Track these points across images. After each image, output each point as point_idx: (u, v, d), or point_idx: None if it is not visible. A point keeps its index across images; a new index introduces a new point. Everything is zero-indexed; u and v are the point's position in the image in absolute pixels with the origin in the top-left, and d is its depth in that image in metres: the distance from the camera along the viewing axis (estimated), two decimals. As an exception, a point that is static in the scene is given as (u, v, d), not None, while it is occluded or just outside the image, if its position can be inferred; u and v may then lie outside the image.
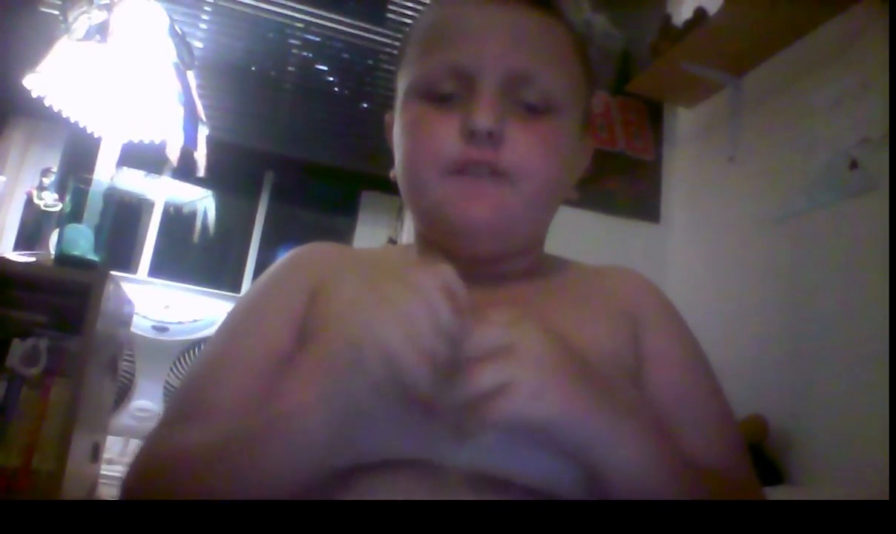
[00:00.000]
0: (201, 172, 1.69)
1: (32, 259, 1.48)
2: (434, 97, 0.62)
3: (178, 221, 2.23)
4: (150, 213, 2.08)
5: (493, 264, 0.65)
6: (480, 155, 0.59)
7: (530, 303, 0.63)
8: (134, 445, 1.72)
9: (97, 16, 1.53)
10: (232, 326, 0.64)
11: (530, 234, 0.67)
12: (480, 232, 0.62)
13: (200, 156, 1.68)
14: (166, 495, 0.50)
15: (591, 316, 0.62)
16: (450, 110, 0.61)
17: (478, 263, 0.65)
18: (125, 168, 1.96)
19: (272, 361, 0.58)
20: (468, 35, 0.62)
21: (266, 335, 0.61)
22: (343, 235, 2.29)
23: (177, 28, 1.66)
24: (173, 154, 1.63)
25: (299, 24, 2.14)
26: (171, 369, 1.76)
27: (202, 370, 0.62)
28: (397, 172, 0.67)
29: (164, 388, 1.75)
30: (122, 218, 1.74)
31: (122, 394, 1.72)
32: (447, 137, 0.60)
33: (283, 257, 0.69)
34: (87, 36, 1.52)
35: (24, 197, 1.76)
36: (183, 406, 0.59)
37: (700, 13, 1.91)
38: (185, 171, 1.71)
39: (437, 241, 0.66)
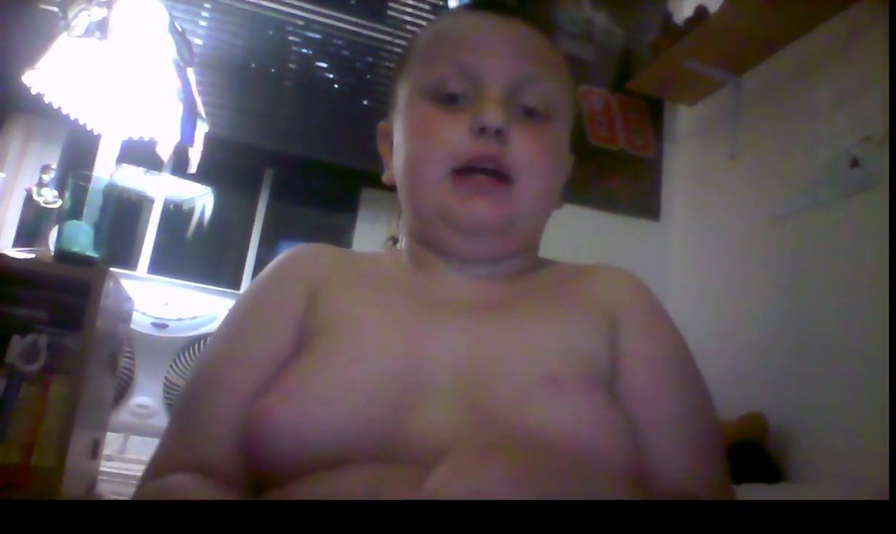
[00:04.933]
0: (194, 169, 1.69)
1: (32, 256, 1.48)
2: (441, 97, 0.64)
3: (177, 217, 2.23)
4: (149, 209, 2.08)
5: (488, 266, 0.66)
6: (488, 151, 0.61)
7: (513, 303, 0.64)
8: (133, 441, 1.72)
9: (97, 13, 1.53)
10: (232, 330, 0.64)
11: (527, 235, 0.68)
12: (483, 231, 0.63)
13: (195, 153, 1.68)
14: None
15: (565, 314, 0.62)
16: (457, 111, 0.63)
17: (474, 264, 0.66)
18: (125, 165, 1.96)
19: (275, 363, 0.59)
20: (478, 40, 0.65)
21: (267, 338, 0.61)
22: (343, 232, 2.29)
23: (177, 25, 1.66)
24: (165, 152, 1.63)
25: (299, 22, 2.13)
26: (171, 366, 1.76)
27: (204, 375, 0.62)
28: (398, 172, 0.68)
29: (164, 384, 1.75)
30: (122, 215, 1.73)
31: (122, 391, 1.72)
32: (455, 135, 0.62)
33: (277, 259, 0.69)
34: (87, 33, 1.51)
35: (24, 193, 1.76)
36: (186, 419, 0.60)
37: (701, 11, 1.91)
38: (183, 167, 1.71)
39: (433, 242, 0.66)
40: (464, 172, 0.62)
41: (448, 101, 0.64)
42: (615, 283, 0.67)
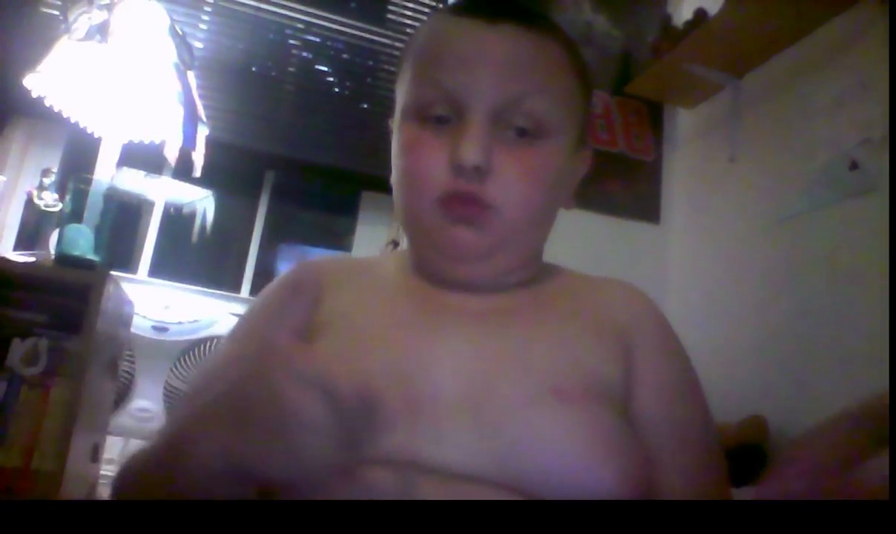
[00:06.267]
0: (198, 173, 1.69)
1: (32, 259, 1.48)
2: (428, 118, 0.62)
3: (178, 221, 2.23)
4: (150, 213, 2.09)
5: (485, 279, 0.66)
6: (466, 188, 0.59)
7: (518, 313, 0.63)
8: (134, 445, 1.72)
9: (97, 16, 1.53)
10: (231, 339, 0.67)
11: (520, 253, 0.66)
12: (467, 258, 0.63)
13: (198, 156, 1.68)
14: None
15: (577, 331, 0.62)
16: (442, 135, 0.61)
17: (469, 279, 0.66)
18: (125, 168, 1.96)
19: None
20: (461, 61, 0.61)
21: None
22: (343, 235, 2.29)
23: (177, 28, 1.66)
24: (171, 155, 1.63)
25: (299, 25, 2.14)
26: (172, 370, 1.76)
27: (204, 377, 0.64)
28: (393, 185, 0.68)
29: (165, 388, 1.74)
30: (123, 218, 1.74)
31: (122, 394, 1.72)
32: (436, 166, 0.60)
33: (285, 273, 0.71)
34: (88, 36, 1.52)
35: (25, 197, 1.76)
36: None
37: (700, 14, 1.91)
38: (185, 171, 1.72)
39: (425, 260, 0.67)
40: (448, 198, 0.60)
41: (436, 122, 0.62)
42: (629, 303, 0.67)
